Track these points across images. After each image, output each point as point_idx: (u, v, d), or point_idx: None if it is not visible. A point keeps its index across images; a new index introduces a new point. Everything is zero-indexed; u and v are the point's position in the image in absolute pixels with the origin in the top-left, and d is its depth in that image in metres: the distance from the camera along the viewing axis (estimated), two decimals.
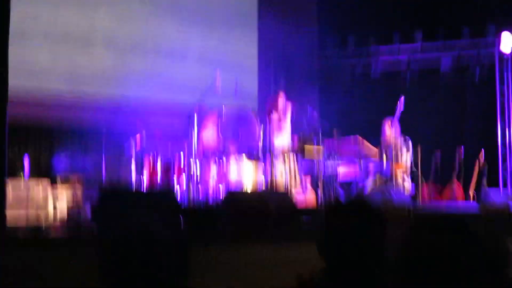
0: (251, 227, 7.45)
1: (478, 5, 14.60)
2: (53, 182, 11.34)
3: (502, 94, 14.06)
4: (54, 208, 11.09)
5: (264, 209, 8.11)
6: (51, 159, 12.25)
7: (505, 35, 13.80)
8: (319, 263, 2.86)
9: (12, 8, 7.18)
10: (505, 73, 14.10)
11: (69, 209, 10.96)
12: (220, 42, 14.33)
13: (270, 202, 8.38)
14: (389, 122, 11.59)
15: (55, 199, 11.16)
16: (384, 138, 11.79)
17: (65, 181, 11.49)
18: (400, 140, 11.75)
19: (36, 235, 6.54)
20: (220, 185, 10.00)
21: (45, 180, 11.18)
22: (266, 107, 11.16)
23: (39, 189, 11.00)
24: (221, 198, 9.30)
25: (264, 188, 10.21)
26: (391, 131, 11.58)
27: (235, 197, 8.43)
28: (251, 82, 14.00)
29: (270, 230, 7.58)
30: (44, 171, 12.04)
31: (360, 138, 11.41)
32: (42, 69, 12.36)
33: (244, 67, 14.45)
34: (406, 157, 11.68)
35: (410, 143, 11.74)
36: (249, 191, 10.03)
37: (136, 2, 13.55)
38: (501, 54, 14.12)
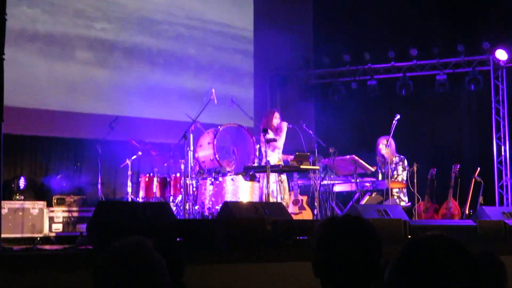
0: (247, 234, 7.44)
1: (472, 23, 14.67)
2: (49, 204, 11.30)
3: (497, 112, 14.10)
4: (50, 230, 11.06)
5: (259, 215, 8.14)
6: (46, 179, 12.20)
7: (499, 52, 13.85)
8: (314, 283, 2.86)
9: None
10: (500, 90, 14.15)
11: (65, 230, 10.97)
12: (215, 57, 14.38)
13: (265, 209, 8.41)
14: (384, 141, 11.59)
15: (51, 221, 11.12)
16: (380, 157, 11.80)
17: (61, 202, 11.46)
18: (395, 158, 11.76)
19: (32, 258, 6.48)
20: (217, 206, 9.96)
21: (41, 202, 11.14)
22: (261, 126, 11.13)
23: (35, 211, 10.96)
24: (217, 214, 9.28)
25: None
26: (386, 149, 11.58)
27: (231, 205, 8.44)
28: (247, 99, 14.01)
29: (266, 242, 7.57)
30: (39, 192, 11.99)
31: (356, 157, 11.41)
32: (38, 84, 12.33)
33: (240, 83, 14.49)
34: (401, 175, 11.69)
35: (405, 161, 11.76)
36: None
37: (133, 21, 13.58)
38: (496, 71, 14.18)
